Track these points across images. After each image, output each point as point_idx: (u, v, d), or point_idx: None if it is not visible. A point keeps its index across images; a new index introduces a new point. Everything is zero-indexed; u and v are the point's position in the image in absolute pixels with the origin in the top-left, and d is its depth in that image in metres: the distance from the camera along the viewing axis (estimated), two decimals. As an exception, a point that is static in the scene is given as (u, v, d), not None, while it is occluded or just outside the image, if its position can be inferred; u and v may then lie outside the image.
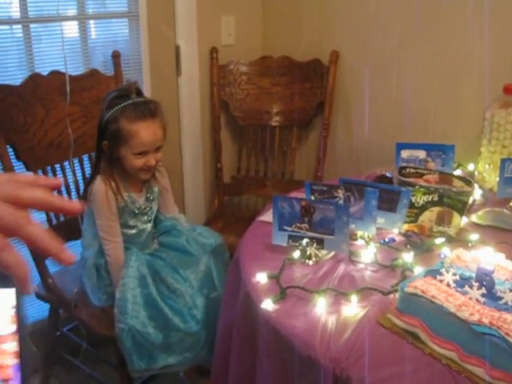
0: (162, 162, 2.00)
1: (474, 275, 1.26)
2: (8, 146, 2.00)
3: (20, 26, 2.20)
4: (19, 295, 0.58)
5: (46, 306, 2.23)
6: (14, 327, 0.57)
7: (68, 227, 2.20)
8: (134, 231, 2.02)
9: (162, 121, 1.94)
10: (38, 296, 2.15)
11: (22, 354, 0.57)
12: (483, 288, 1.19)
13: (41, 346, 2.33)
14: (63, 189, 2.22)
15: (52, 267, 2.20)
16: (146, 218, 2.05)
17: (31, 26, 2.22)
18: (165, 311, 1.86)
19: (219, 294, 1.96)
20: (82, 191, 2.27)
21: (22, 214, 0.59)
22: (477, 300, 1.17)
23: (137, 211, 2.01)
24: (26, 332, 0.58)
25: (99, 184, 1.91)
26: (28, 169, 2.07)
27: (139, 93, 1.94)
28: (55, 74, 2.14)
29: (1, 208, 0.58)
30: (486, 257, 1.37)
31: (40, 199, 0.62)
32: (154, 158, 1.92)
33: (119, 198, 1.94)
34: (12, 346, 0.57)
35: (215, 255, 2.09)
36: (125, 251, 1.97)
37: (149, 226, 2.08)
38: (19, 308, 0.57)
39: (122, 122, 1.85)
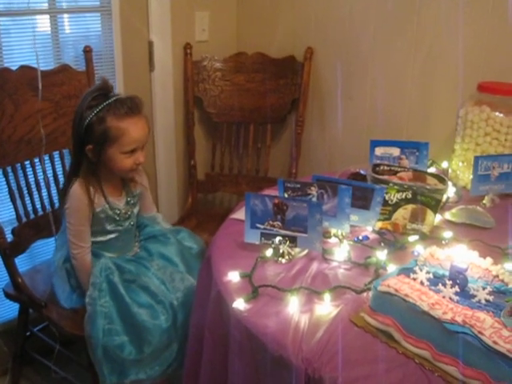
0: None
1: (447, 273, 1.26)
2: (-25, 143, 1.96)
3: (-11, 20, 2.15)
4: None
5: (16, 306, 2.19)
6: None
7: (38, 225, 2.17)
8: (112, 235, 1.97)
9: (147, 116, 1.89)
10: (8, 295, 2.11)
11: None
12: (456, 286, 1.19)
13: (10, 347, 2.29)
14: (33, 186, 2.18)
15: (22, 266, 2.16)
16: (128, 222, 2.00)
17: (0, 19, 2.17)
18: (138, 320, 1.80)
19: None
20: (52, 188, 2.24)
21: None
22: (450, 298, 1.16)
23: (117, 217, 1.95)
24: None
25: (77, 187, 1.84)
26: (-4, 165, 2.03)
27: (113, 89, 1.88)
28: (25, 68, 2.10)
29: None
30: (460, 255, 1.36)
31: None
32: (142, 155, 1.86)
33: (96, 203, 1.88)
34: None
35: (197, 259, 2.05)
36: (94, 259, 1.91)
37: (131, 230, 2.04)
38: None
39: (109, 121, 1.77)
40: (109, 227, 1.95)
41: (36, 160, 2.16)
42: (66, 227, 1.89)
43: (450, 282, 1.20)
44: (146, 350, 1.81)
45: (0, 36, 2.19)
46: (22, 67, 2.09)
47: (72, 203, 1.86)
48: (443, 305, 1.13)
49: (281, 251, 1.49)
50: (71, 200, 1.85)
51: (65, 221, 1.92)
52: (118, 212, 1.95)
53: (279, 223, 1.51)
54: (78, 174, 1.87)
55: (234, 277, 1.39)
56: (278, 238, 1.50)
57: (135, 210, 2.03)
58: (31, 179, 2.16)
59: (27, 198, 2.16)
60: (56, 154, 2.24)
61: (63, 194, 1.90)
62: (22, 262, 2.25)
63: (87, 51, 2.32)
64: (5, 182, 2.08)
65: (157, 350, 1.83)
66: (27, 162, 2.14)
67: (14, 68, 2.07)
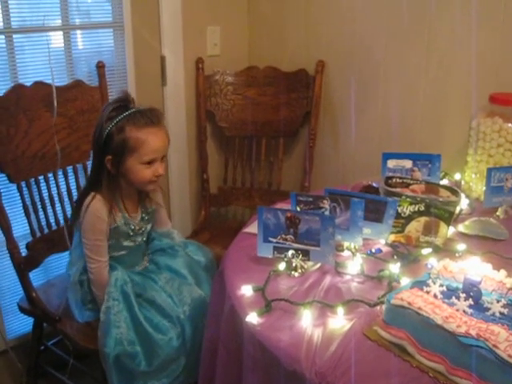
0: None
1: (460, 286, 1.25)
2: (-9, 158, 1.97)
3: (3, 37, 2.18)
4: None
5: (30, 320, 2.20)
6: None
7: (52, 240, 2.18)
8: (124, 252, 1.98)
9: (166, 128, 1.90)
10: (23, 310, 2.12)
11: None
12: (470, 299, 1.18)
13: (25, 361, 2.30)
14: (47, 201, 2.19)
15: (36, 281, 2.18)
16: (140, 238, 2.00)
17: (14, 36, 2.20)
18: (151, 334, 1.81)
19: None
20: (66, 203, 2.25)
21: None
22: (464, 311, 1.16)
23: (131, 233, 1.95)
24: None
25: (95, 202, 1.84)
26: (11, 181, 2.04)
27: (134, 103, 1.88)
28: (39, 84, 2.12)
29: None
30: (473, 267, 1.36)
31: None
32: (161, 166, 1.86)
33: (113, 218, 1.88)
34: None
35: (206, 272, 2.06)
36: (109, 271, 1.91)
37: (142, 245, 2.05)
38: None
39: (128, 131, 1.78)
40: (124, 243, 1.96)
41: (50, 175, 2.18)
42: (83, 242, 1.88)
43: (464, 294, 1.19)
44: (155, 363, 1.81)
45: (14, 53, 2.21)
46: (36, 83, 2.12)
47: (89, 218, 1.85)
48: (457, 318, 1.12)
49: (294, 265, 1.49)
50: (89, 215, 1.84)
51: (78, 234, 1.92)
52: (133, 228, 1.95)
53: (292, 237, 1.51)
54: (97, 187, 1.86)
55: (247, 291, 1.39)
56: (290, 252, 1.50)
57: (148, 227, 2.04)
58: (45, 194, 2.18)
59: (41, 213, 2.18)
60: (70, 169, 2.25)
61: (78, 207, 1.89)
62: (36, 277, 2.26)
63: (100, 67, 2.34)
64: (19, 197, 2.09)
65: (164, 363, 1.84)
66: (41, 177, 2.15)
67: (28, 84, 2.09)
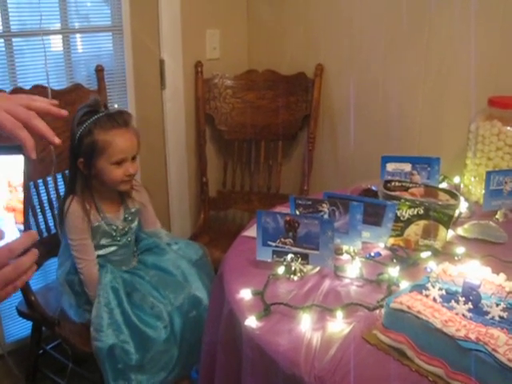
0: (139, 178, 2.00)
1: (460, 290, 1.24)
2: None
3: (2, 40, 2.18)
4: (26, 161, 0.87)
5: (28, 325, 2.19)
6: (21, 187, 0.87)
7: (51, 243, 2.18)
8: (111, 249, 2.03)
9: (136, 130, 1.97)
10: (21, 313, 2.11)
11: (25, 203, 0.87)
12: (469, 303, 1.18)
13: (23, 365, 2.30)
14: (46, 204, 2.19)
15: (34, 285, 2.17)
16: (125, 238, 2.05)
17: (13, 39, 2.20)
18: (140, 328, 1.85)
19: (199, 313, 1.96)
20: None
21: (31, 113, 0.96)
22: (463, 315, 1.15)
23: (114, 233, 2.01)
24: (29, 187, 0.81)
25: (73, 204, 1.92)
26: (10, 184, 2.04)
27: (107, 108, 1.97)
28: (38, 88, 2.12)
29: (19, 108, 0.95)
30: (472, 271, 1.35)
31: (42, 107, 1.00)
32: (131, 166, 1.93)
33: (92, 218, 1.94)
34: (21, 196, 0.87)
35: (198, 268, 2.07)
36: (99, 269, 1.97)
37: (129, 245, 2.08)
38: (26, 171, 0.86)
39: (96, 134, 1.87)
40: (105, 242, 2.00)
41: (49, 179, 2.18)
42: (69, 244, 1.95)
43: (463, 298, 1.19)
44: (147, 355, 1.85)
45: (14, 56, 2.21)
46: (35, 86, 2.12)
47: (70, 219, 1.93)
48: (456, 322, 1.12)
49: (293, 268, 1.48)
50: (69, 216, 1.92)
51: (65, 238, 1.98)
52: (115, 228, 2.01)
53: (291, 240, 1.51)
54: (75, 191, 1.95)
55: (246, 294, 1.38)
56: (289, 256, 1.50)
57: (133, 226, 2.09)
58: (44, 197, 2.18)
59: (40, 217, 2.17)
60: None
61: (60, 211, 1.97)
62: (34, 280, 2.26)
63: (99, 70, 2.35)
64: (18, 201, 2.09)
65: (156, 355, 1.87)
66: (40, 181, 2.15)
67: (27, 87, 2.09)
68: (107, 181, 1.93)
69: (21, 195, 0.87)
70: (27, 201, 0.88)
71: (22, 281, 0.88)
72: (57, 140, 0.98)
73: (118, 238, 2.03)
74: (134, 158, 1.96)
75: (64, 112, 1.04)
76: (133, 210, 2.08)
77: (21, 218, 0.88)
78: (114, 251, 2.03)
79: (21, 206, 0.87)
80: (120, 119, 1.91)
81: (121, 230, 2.03)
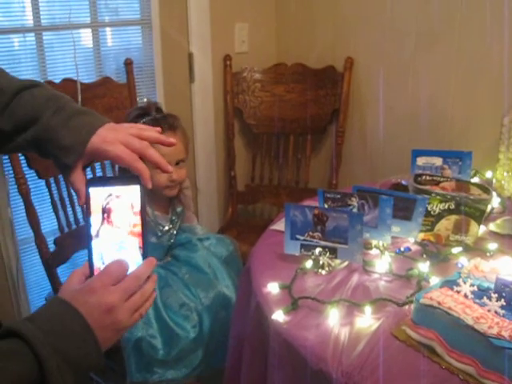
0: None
1: (492, 286, 1.22)
2: (20, 154, 1.99)
3: (33, 35, 2.20)
4: (142, 189, 0.93)
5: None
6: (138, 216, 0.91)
7: (80, 235, 2.19)
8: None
9: (183, 135, 1.97)
10: (50, 305, 2.13)
11: (143, 229, 0.92)
12: (502, 299, 1.15)
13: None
14: (75, 197, 2.20)
15: (63, 276, 2.19)
16: (167, 240, 2.07)
17: (44, 34, 2.22)
18: (170, 324, 1.85)
19: (228, 314, 1.94)
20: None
21: (145, 143, 1.00)
22: (496, 312, 1.13)
23: (160, 233, 2.03)
24: (145, 215, 0.93)
25: None
26: (40, 176, 2.06)
27: (159, 111, 1.97)
28: (67, 81, 2.13)
29: (134, 140, 0.99)
30: (505, 267, 1.33)
31: (153, 137, 1.03)
32: (176, 172, 1.92)
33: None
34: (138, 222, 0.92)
35: (227, 264, 2.07)
36: None
37: (166, 246, 2.10)
38: (142, 199, 0.93)
39: None
40: (150, 240, 1.99)
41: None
42: None
43: (496, 295, 1.16)
44: (173, 352, 1.85)
45: (44, 50, 2.23)
46: (65, 80, 2.13)
47: None
48: (488, 319, 1.09)
49: (321, 262, 1.47)
50: None
51: None
52: (161, 228, 2.02)
53: (319, 234, 1.49)
54: None
55: (273, 288, 1.38)
56: (317, 250, 1.48)
57: (177, 228, 2.10)
58: (72, 190, 2.19)
59: (69, 209, 2.19)
60: (98, 165, 2.26)
61: None
62: (64, 272, 2.27)
63: (128, 64, 2.35)
64: (48, 193, 2.11)
65: (182, 353, 1.87)
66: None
67: (57, 81, 2.10)
68: (152, 185, 1.91)
69: (138, 222, 0.92)
70: (145, 227, 0.92)
71: (146, 308, 0.91)
72: (170, 168, 1.04)
73: (161, 239, 2.04)
74: (178, 163, 1.95)
75: (173, 140, 1.08)
76: (178, 210, 2.10)
77: (140, 243, 0.92)
78: (153, 248, 2.03)
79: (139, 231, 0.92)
80: (165, 123, 1.90)
81: (166, 231, 2.05)
